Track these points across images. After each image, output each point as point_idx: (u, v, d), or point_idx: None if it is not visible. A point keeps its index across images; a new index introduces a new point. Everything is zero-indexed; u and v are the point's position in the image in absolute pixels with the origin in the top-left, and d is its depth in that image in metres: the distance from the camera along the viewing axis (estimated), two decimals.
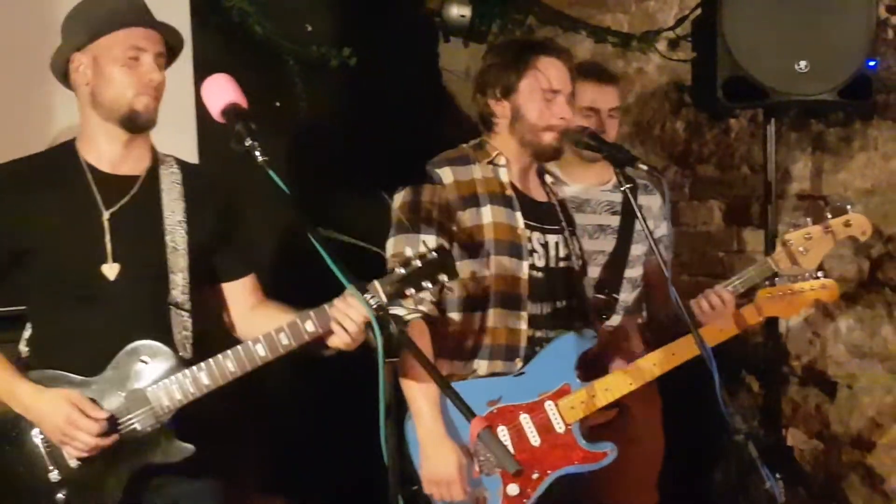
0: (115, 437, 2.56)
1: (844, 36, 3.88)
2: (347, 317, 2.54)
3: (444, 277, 2.45)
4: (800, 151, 4.47)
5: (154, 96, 2.67)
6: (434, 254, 2.44)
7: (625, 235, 3.52)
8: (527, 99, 3.01)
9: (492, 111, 3.06)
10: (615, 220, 3.55)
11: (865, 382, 4.33)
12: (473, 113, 3.16)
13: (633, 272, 3.57)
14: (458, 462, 2.85)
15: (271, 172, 2.28)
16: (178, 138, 3.44)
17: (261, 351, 2.58)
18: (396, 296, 2.52)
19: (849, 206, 3.34)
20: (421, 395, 2.87)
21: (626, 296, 3.57)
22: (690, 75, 4.35)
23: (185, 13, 3.74)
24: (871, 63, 3.91)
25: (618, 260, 3.53)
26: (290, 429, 4.22)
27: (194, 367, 2.60)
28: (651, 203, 3.61)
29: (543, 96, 2.99)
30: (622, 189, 2.94)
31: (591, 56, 4.87)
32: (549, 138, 3.01)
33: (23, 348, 2.75)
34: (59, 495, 2.58)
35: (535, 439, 2.97)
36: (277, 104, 4.32)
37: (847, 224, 3.27)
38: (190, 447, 2.61)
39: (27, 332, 2.76)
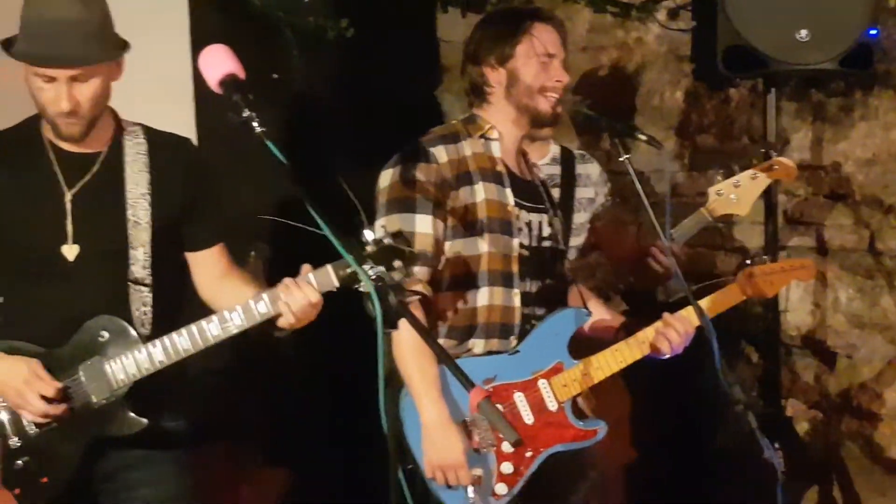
0: (66, 406, 2.59)
1: (845, 5, 3.87)
2: (291, 294, 2.55)
3: (398, 263, 2.43)
4: (800, 121, 4.45)
5: (74, 121, 2.61)
6: (389, 239, 2.43)
7: (566, 206, 3.55)
8: (523, 63, 2.99)
9: (486, 80, 3.03)
10: (556, 192, 3.57)
11: (865, 353, 4.34)
12: (463, 84, 3.14)
13: (577, 240, 3.61)
14: (464, 446, 2.85)
15: (269, 143, 2.27)
16: (175, 110, 3.43)
17: (213, 330, 2.60)
18: (350, 280, 2.51)
19: (773, 153, 3.51)
20: (419, 377, 2.86)
21: (575, 262, 3.60)
22: (690, 45, 4.33)
23: None
24: (872, 32, 3.90)
25: (562, 229, 3.56)
26: (291, 401, 4.23)
27: (149, 344, 2.62)
28: (590, 171, 3.67)
29: (539, 60, 2.99)
30: (621, 159, 2.94)
31: (591, 26, 4.84)
32: (545, 103, 3.00)
33: None
34: (19, 462, 2.62)
35: (528, 418, 2.96)
36: (275, 76, 4.30)
37: (771, 168, 3.33)
38: (143, 421, 2.64)
39: None
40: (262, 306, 2.59)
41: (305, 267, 2.58)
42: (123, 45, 2.66)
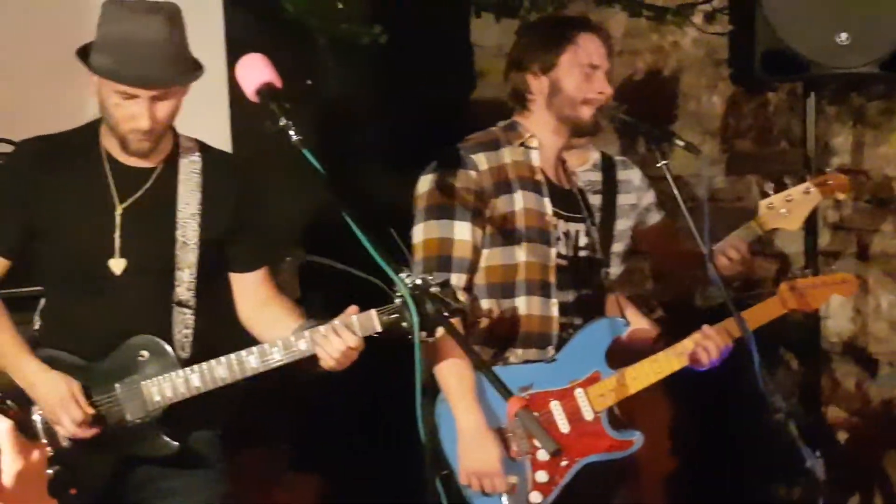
0: (95, 430, 2.61)
1: (886, 7, 3.83)
2: (330, 343, 2.53)
3: (445, 313, 2.40)
4: (840, 125, 4.41)
5: (147, 138, 2.62)
6: (438, 287, 2.40)
7: (608, 212, 3.52)
8: (566, 73, 2.96)
9: (528, 87, 3.01)
10: (597, 199, 3.54)
11: None
12: (505, 90, 3.11)
13: (620, 246, 3.59)
14: (500, 454, 2.83)
15: (306, 152, 2.26)
16: (210, 118, 3.43)
17: (253, 363, 2.60)
18: (393, 326, 2.50)
19: (828, 169, 3.43)
20: (455, 383, 2.84)
21: (616, 270, 3.58)
22: (727, 49, 4.29)
23: None
24: None
25: (604, 236, 3.53)
26: (324, 407, 4.22)
27: (188, 369, 2.62)
28: (631, 177, 3.64)
29: (583, 71, 2.96)
30: (659, 165, 2.91)
31: (626, 31, 4.81)
32: (587, 112, 2.98)
33: (36, 318, 2.80)
34: (49, 471, 2.60)
35: (564, 426, 2.93)
36: (309, 82, 4.30)
37: (825, 183, 3.29)
38: (175, 445, 2.66)
39: (42, 303, 2.81)
40: (302, 344, 2.58)
41: (351, 308, 2.55)
42: (199, 66, 2.67)
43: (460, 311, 2.51)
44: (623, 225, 3.59)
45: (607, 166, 3.61)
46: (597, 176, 3.57)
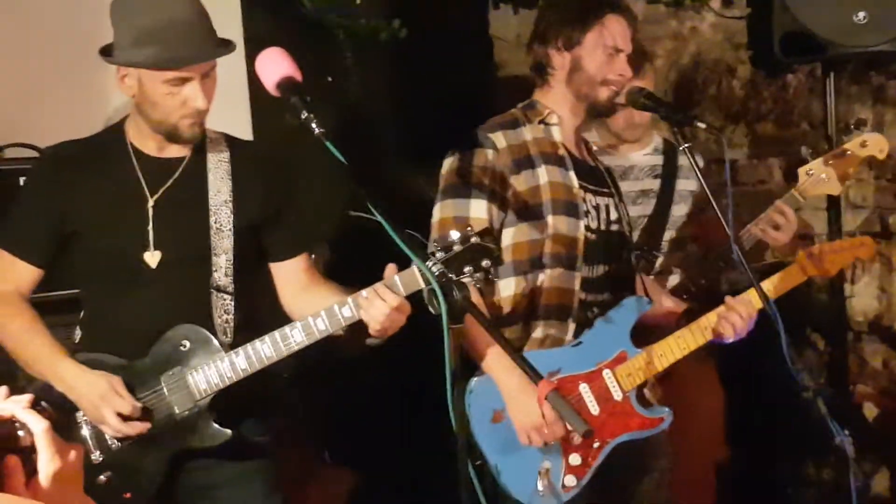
0: (142, 425, 2.57)
1: None
2: (374, 305, 2.49)
3: (487, 262, 2.38)
4: (860, 104, 4.39)
5: (199, 120, 2.63)
6: (478, 237, 2.37)
7: (665, 197, 3.50)
8: (590, 52, 2.96)
9: (550, 61, 3.01)
10: (656, 184, 3.53)
11: None
12: (524, 82, 3.12)
13: (672, 233, 3.57)
14: None
15: (329, 144, 2.27)
16: (231, 113, 3.46)
17: (297, 337, 2.55)
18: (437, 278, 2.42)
19: (863, 128, 3.35)
20: (490, 352, 2.83)
21: (665, 259, 3.56)
22: (746, 32, 4.28)
23: None
24: None
25: (658, 221, 3.51)
26: (356, 400, 4.24)
27: (232, 352, 2.58)
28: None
29: (606, 52, 2.96)
30: (681, 148, 2.91)
31: (644, 17, 4.81)
32: (605, 93, 2.98)
33: (78, 331, 2.78)
34: (102, 476, 2.59)
35: (594, 408, 2.94)
36: (329, 79, 4.32)
37: (864, 144, 3.24)
38: (227, 432, 2.61)
39: (82, 314, 2.79)
40: (346, 311, 2.53)
41: (391, 267, 2.50)
42: (228, 40, 2.67)
43: (500, 255, 2.45)
44: (679, 211, 3.56)
45: (668, 150, 3.59)
46: (658, 160, 3.55)
